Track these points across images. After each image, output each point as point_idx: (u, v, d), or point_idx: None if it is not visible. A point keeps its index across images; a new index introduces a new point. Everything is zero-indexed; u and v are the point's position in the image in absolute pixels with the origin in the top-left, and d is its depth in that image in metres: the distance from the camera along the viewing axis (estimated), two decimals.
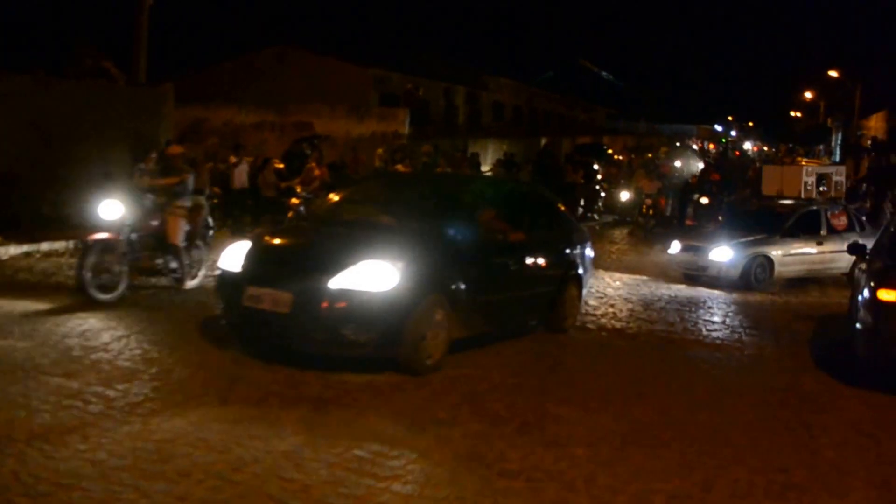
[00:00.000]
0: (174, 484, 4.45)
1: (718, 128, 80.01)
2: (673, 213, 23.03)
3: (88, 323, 7.71)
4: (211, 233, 13.75)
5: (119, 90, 14.60)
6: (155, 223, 9.30)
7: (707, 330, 10.02)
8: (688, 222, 21.01)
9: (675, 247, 14.42)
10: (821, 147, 53.48)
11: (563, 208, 10.11)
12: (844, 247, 13.60)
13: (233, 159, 16.66)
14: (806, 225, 14.45)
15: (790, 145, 62.70)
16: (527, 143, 32.65)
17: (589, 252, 9.90)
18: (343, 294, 6.62)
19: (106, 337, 7.30)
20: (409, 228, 7.59)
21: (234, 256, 7.36)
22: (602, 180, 25.78)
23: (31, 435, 4.96)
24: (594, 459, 5.26)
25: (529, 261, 8.54)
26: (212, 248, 10.37)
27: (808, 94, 57.93)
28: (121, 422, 5.29)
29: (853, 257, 13.18)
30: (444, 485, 4.72)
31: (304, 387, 6.28)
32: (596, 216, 23.73)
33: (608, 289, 12.39)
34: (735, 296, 12.76)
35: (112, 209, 8.94)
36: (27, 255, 11.24)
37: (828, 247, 14.27)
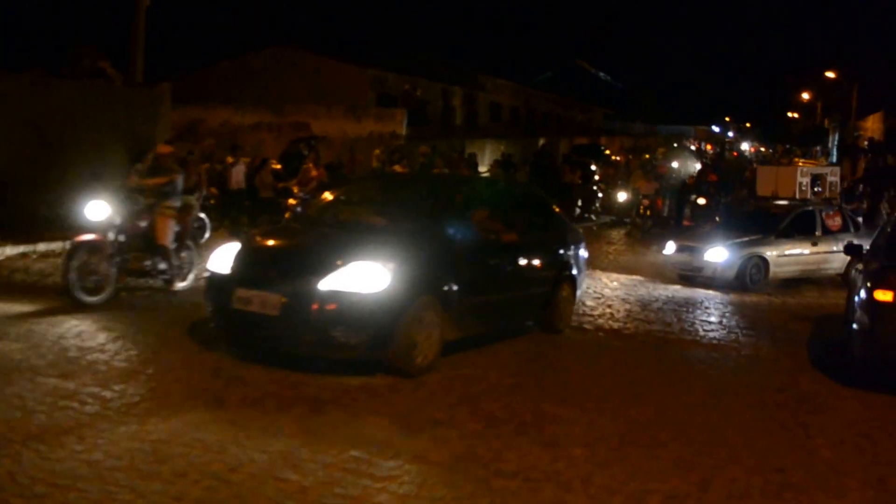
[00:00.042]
0: (170, 484, 4.44)
1: (716, 128, 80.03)
2: (670, 214, 23.05)
3: (84, 324, 7.70)
4: (207, 234, 13.80)
5: (116, 90, 14.58)
6: (143, 224, 9.17)
7: (704, 330, 10.03)
8: (685, 223, 21.03)
9: (670, 247, 14.41)
10: (818, 148, 53.55)
11: (557, 209, 10.08)
12: (839, 247, 13.67)
13: (230, 160, 16.66)
14: (801, 225, 14.46)
15: (787, 146, 62.79)
16: (524, 144, 32.67)
17: (583, 252, 9.89)
18: (333, 296, 6.55)
19: (102, 338, 7.29)
20: (400, 229, 7.53)
21: (223, 258, 7.26)
22: (599, 181, 25.80)
23: (28, 436, 4.95)
24: (591, 459, 5.26)
25: (523, 261, 8.51)
26: (209, 248, 10.34)
27: (806, 95, 58.05)
28: (117, 422, 5.28)
29: (847, 258, 13.25)
30: (441, 485, 4.71)
31: (300, 388, 6.27)
32: (593, 217, 23.76)
33: (605, 289, 12.40)
34: (732, 296, 12.77)
35: (99, 210, 8.80)
36: (23, 255, 11.23)
37: (822, 247, 14.30)
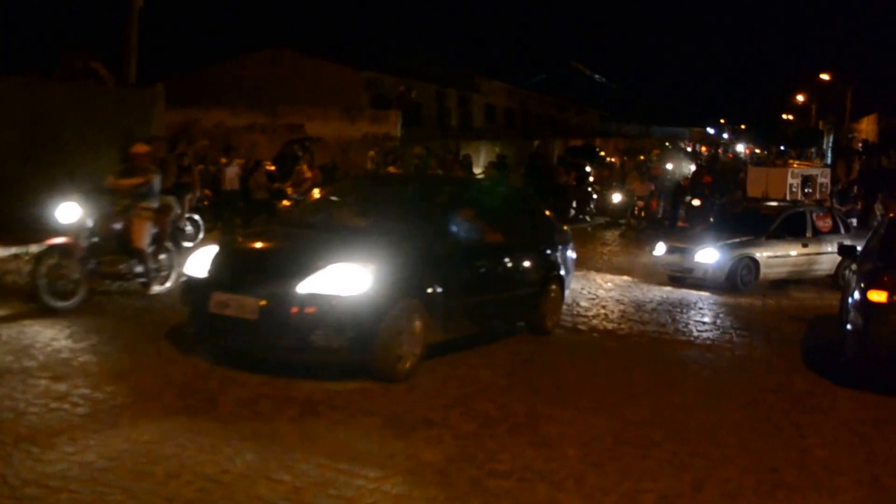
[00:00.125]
0: (162, 485, 4.43)
1: (711, 130, 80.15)
2: (665, 216, 23.07)
3: (75, 326, 7.65)
4: (201, 235, 13.75)
5: (109, 91, 14.52)
6: (117, 226, 8.90)
7: (698, 331, 10.04)
8: (679, 224, 21.05)
9: (661, 248, 14.40)
10: (812, 150, 53.66)
11: (545, 210, 10.04)
12: (829, 248, 13.73)
13: (224, 161, 16.63)
14: (791, 227, 14.48)
15: (781, 147, 62.88)
16: (519, 146, 32.67)
17: (571, 253, 9.85)
18: (312, 299, 6.40)
19: (94, 339, 7.25)
20: (382, 231, 7.38)
21: (200, 262, 7.11)
22: (594, 182, 25.84)
23: (19, 437, 4.93)
24: (585, 459, 5.25)
25: (509, 262, 8.44)
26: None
27: (800, 97, 58.13)
28: (108, 424, 5.25)
29: (838, 259, 13.29)
30: (435, 486, 4.70)
31: (294, 389, 6.24)
32: (588, 218, 23.77)
33: (599, 290, 12.40)
34: (725, 297, 12.77)
35: (71, 212, 8.56)
36: (15, 256, 11.17)
37: (813, 248, 14.32)
